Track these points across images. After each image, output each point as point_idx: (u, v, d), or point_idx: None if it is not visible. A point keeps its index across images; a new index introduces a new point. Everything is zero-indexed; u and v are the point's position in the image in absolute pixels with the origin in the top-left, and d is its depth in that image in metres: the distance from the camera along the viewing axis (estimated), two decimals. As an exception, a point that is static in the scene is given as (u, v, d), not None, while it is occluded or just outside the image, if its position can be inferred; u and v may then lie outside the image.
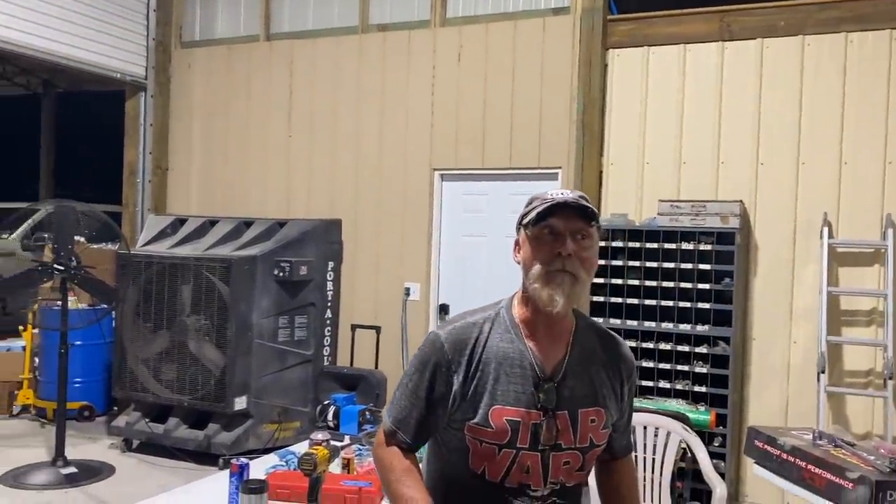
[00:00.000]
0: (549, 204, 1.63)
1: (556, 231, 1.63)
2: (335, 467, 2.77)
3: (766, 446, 3.16)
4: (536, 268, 1.64)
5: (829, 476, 2.76)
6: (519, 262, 1.71)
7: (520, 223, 1.71)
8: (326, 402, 3.36)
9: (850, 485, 2.64)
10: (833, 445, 2.99)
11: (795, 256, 5.07)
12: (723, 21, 5.26)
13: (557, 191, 1.69)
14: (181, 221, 6.38)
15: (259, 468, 2.87)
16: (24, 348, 6.67)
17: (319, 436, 2.77)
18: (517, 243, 1.73)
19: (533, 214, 1.64)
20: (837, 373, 4.92)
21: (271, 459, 2.95)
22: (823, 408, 4.70)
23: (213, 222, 6.25)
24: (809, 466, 2.87)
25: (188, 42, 7.21)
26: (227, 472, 2.48)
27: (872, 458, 2.79)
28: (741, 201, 5.07)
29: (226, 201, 6.83)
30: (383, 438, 1.78)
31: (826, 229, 4.87)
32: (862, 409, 4.85)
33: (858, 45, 4.91)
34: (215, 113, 7.00)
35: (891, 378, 4.59)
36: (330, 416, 3.28)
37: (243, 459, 2.48)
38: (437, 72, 6.07)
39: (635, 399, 4.77)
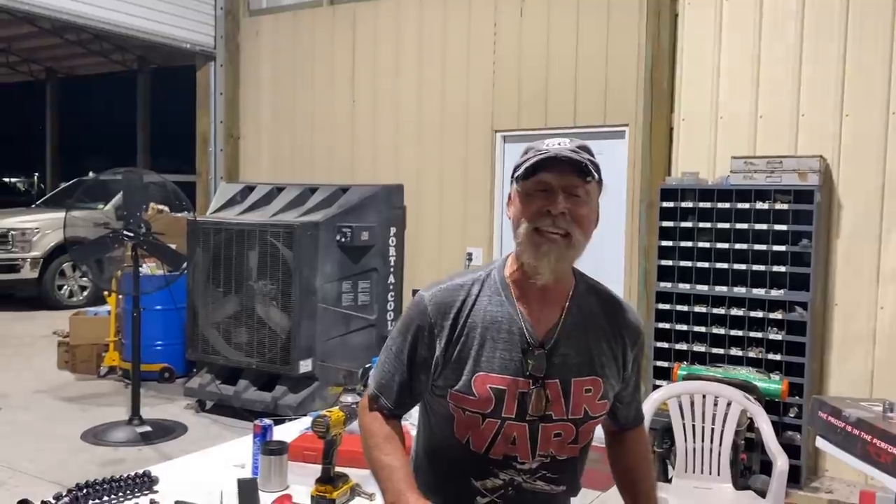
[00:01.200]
0: (540, 157, 1.48)
1: (548, 187, 1.49)
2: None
3: (829, 418, 2.93)
4: (524, 226, 1.51)
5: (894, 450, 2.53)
6: (510, 218, 1.58)
7: (512, 176, 1.56)
8: (367, 365, 3.32)
9: (918, 461, 2.41)
10: (903, 417, 2.74)
11: (884, 215, 4.67)
12: (804, -39, 4.84)
13: (554, 140, 1.53)
14: (250, 189, 6.50)
15: (296, 430, 2.87)
16: (109, 313, 6.99)
17: (349, 398, 2.75)
18: (510, 197, 1.59)
19: (522, 169, 1.51)
20: (929, 341, 4.53)
21: (306, 422, 2.95)
22: (910, 378, 4.35)
23: (280, 189, 6.33)
24: (875, 440, 2.64)
25: (256, 10, 7.28)
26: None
27: (947, 432, 2.54)
28: (822, 157, 4.70)
29: (294, 168, 6.91)
30: (367, 403, 1.70)
31: (918, 185, 4.46)
32: (956, 380, 4.46)
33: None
34: (283, 80, 7.05)
35: None
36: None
37: (267, 420, 2.48)
38: (499, 29, 5.88)
39: (704, 367, 4.57)
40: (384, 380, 1.66)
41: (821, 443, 2.95)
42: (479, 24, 5.96)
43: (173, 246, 5.85)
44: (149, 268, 6.35)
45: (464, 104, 6.03)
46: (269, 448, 2.30)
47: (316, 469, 2.45)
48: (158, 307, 6.52)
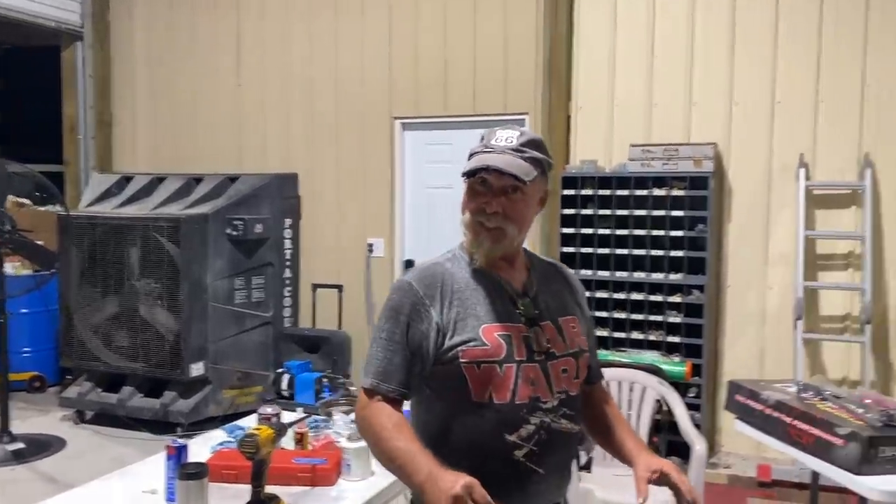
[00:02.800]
0: (478, 166, 1.63)
1: (488, 184, 1.64)
2: (288, 442, 2.54)
3: (748, 401, 3.00)
4: (466, 215, 1.68)
5: (816, 432, 2.60)
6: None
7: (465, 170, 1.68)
8: (280, 371, 3.12)
9: (841, 441, 2.49)
10: (819, 398, 2.84)
11: (771, 200, 4.89)
12: (695, -47, 4.96)
13: (504, 135, 1.67)
14: (127, 179, 6.03)
15: (205, 445, 2.63)
16: (-35, 318, 6.29)
17: (269, 409, 2.54)
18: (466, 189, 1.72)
19: (468, 166, 1.65)
20: (813, 318, 4.79)
21: (218, 436, 2.71)
22: (801, 355, 4.58)
23: (160, 179, 5.92)
24: (795, 422, 2.71)
25: (127, -13, 6.73)
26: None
27: (861, 410, 2.63)
28: (715, 144, 4.86)
29: (175, 156, 6.45)
30: (365, 400, 1.64)
31: (802, 171, 4.69)
32: (839, 355, 4.74)
33: (836, -24, 4.66)
34: (160, 61, 6.56)
35: (868, 322, 4.47)
36: (284, 385, 3.04)
37: (180, 441, 2.24)
38: (394, 13, 5.69)
39: (609, 352, 4.62)
40: (383, 367, 1.63)
41: (740, 426, 3.01)
42: (374, 8, 5.75)
43: (40, 243, 5.33)
44: (13, 267, 5.75)
45: (359, 90, 5.81)
46: (188, 472, 2.06)
47: (237, 489, 2.25)
48: (25, 310, 5.93)
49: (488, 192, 1.63)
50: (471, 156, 1.67)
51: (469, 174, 1.65)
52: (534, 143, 1.66)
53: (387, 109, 5.71)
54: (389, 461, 1.57)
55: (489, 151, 1.63)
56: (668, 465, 1.69)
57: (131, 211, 5.59)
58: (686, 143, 4.94)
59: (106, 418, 5.40)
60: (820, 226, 4.79)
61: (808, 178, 4.70)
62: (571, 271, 1.92)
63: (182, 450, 2.19)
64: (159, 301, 5.28)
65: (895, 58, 4.57)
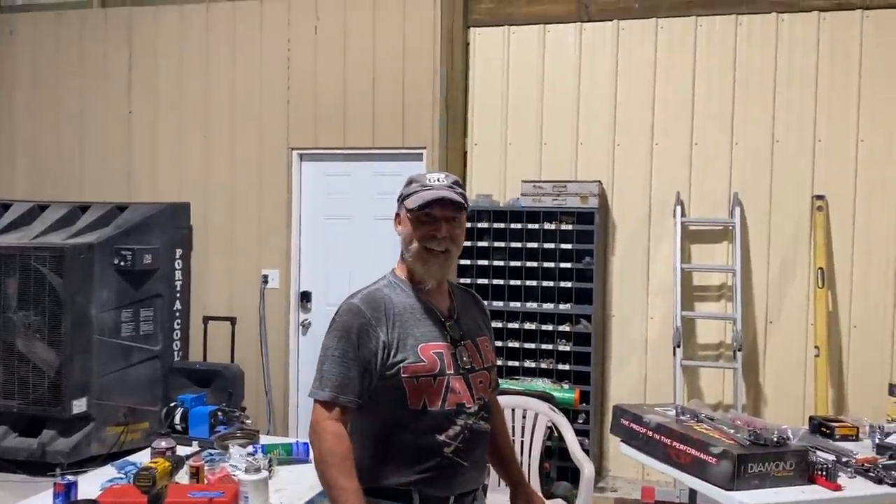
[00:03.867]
0: (430, 198, 1.93)
1: (433, 216, 1.94)
2: (183, 476, 2.50)
3: (631, 424, 3.18)
4: (415, 245, 1.96)
5: (693, 452, 2.79)
6: (399, 234, 2.01)
7: (400, 201, 2.00)
8: (173, 404, 3.05)
9: (714, 460, 2.68)
10: (696, 420, 3.04)
11: (651, 235, 5.21)
12: (580, 2, 5.28)
13: (434, 176, 2.00)
14: (5, 207, 5.73)
15: (94, 482, 2.54)
16: None
17: (163, 443, 2.49)
18: (398, 216, 2.02)
19: (416, 204, 1.94)
20: (691, 346, 5.11)
21: (108, 472, 2.62)
22: (680, 381, 4.87)
23: (42, 207, 5.65)
24: (674, 444, 2.89)
25: (8, 6, 6.44)
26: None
27: (732, 431, 2.85)
28: (599, 181, 5.14)
29: (58, 185, 6.17)
30: (321, 414, 1.87)
31: (679, 208, 5.03)
32: (714, 380, 5.07)
33: (707, 29, 5.08)
34: (44, 86, 6.29)
35: (739, 350, 4.82)
36: (178, 419, 2.97)
37: (69, 477, 2.17)
38: (293, 45, 5.72)
39: (504, 380, 4.76)
40: (339, 381, 1.87)
41: (625, 448, 3.18)
42: (272, 38, 5.75)
43: None
44: None
45: (256, 120, 5.78)
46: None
47: (130, 527, 2.19)
48: None
49: (433, 222, 1.94)
50: (408, 196, 1.98)
51: (420, 208, 1.93)
52: (458, 183, 2.02)
53: (284, 140, 5.71)
54: (327, 487, 1.84)
55: (429, 189, 1.95)
56: (539, 500, 2.19)
57: (9, 240, 5.30)
58: (573, 180, 5.20)
59: (-25, 461, 5.04)
60: (695, 259, 5.15)
61: (683, 214, 5.05)
62: (480, 297, 2.28)
63: (71, 487, 2.12)
64: (38, 334, 5.02)
65: (762, 104, 5.00)
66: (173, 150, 5.99)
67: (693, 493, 3.29)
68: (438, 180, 1.98)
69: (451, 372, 1.94)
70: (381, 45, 5.52)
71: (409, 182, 2.02)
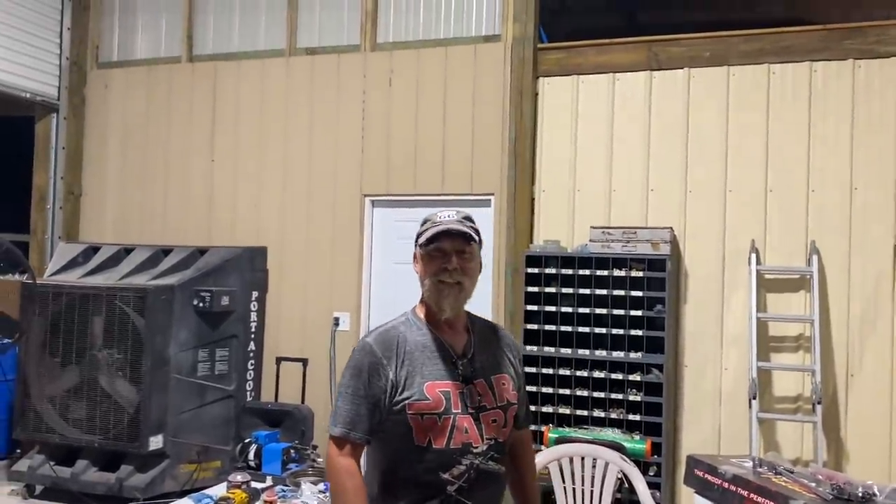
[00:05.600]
0: (436, 231, 2.03)
1: (443, 250, 2.02)
2: (258, 511, 2.55)
3: (706, 475, 3.10)
4: (428, 281, 2.05)
5: (771, 505, 2.70)
6: (418, 273, 2.10)
7: (416, 241, 2.10)
8: (247, 441, 3.13)
9: (794, 513, 2.59)
10: (774, 473, 2.95)
11: (725, 283, 5.11)
12: (650, 51, 5.32)
13: (445, 213, 2.08)
14: (94, 249, 6.03)
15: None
16: (-86, 388, 6.11)
17: (239, 477, 2.56)
18: (415, 257, 2.12)
19: (424, 238, 2.05)
20: (768, 398, 4.94)
21: (186, 504, 2.71)
22: (756, 434, 4.70)
23: (128, 250, 5.92)
24: (752, 495, 2.81)
25: (105, 62, 6.89)
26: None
27: (813, 485, 2.75)
28: (671, 228, 5.09)
29: (143, 229, 6.49)
30: (335, 451, 1.97)
31: (754, 256, 4.93)
32: (792, 434, 4.88)
33: (780, 76, 5.04)
34: (133, 136, 6.68)
35: (819, 402, 4.64)
36: (251, 456, 3.05)
37: (152, 507, 2.25)
38: (368, 96, 5.94)
39: (572, 429, 4.70)
40: (349, 417, 1.97)
41: (698, 500, 3.10)
42: (348, 90, 5.99)
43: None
44: (-30, 336, 5.65)
45: (332, 168, 5.99)
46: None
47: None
48: (-23, 381, 5.79)
49: (443, 256, 2.01)
50: (420, 234, 2.07)
51: (428, 242, 2.02)
52: (470, 218, 2.10)
53: (357, 187, 5.88)
54: None
55: (437, 225, 2.04)
56: None
57: (97, 280, 5.58)
58: (644, 226, 5.17)
59: (58, 492, 5.24)
60: (771, 309, 5.01)
61: (759, 262, 4.94)
62: (508, 333, 2.31)
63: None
64: (120, 372, 5.22)
65: (838, 150, 4.90)
66: (252, 197, 6.24)
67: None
68: (448, 216, 2.06)
69: (458, 411, 1.97)
70: (452, 95, 5.67)
71: (423, 222, 2.10)
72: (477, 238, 2.07)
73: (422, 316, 2.10)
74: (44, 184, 6.69)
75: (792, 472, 2.92)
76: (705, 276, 5.16)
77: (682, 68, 5.25)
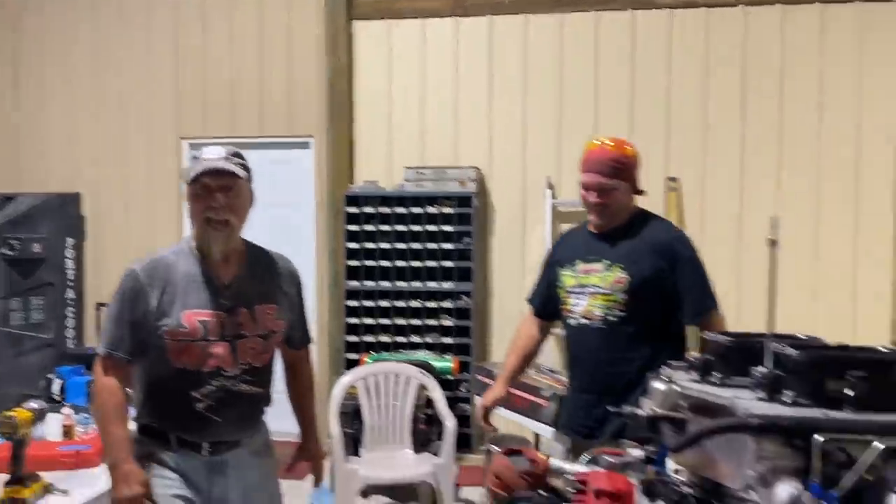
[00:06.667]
0: (200, 169, 2.06)
1: (207, 187, 2.05)
2: (57, 435, 2.70)
3: (485, 379, 3.54)
4: (196, 219, 2.10)
5: (529, 397, 3.17)
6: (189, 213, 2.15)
7: (183, 179, 2.20)
8: (49, 376, 3.22)
9: (545, 402, 3.06)
10: (538, 372, 3.43)
11: (525, 218, 5.59)
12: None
13: (212, 150, 2.10)
14: None
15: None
16: None
17: (34, 404, 2.67)
18: (187, 198, 2.13)
19: (189, 176, 2.07)
20: (563, 317, 5.51)
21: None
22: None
23: (-74, 199, 5.62)
24: (516, 391, 3.26)
25: None
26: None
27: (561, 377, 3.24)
28: (477, 168, 5.49)
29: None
30: (99, 369, 2.08)
31: (549, 191, 5.43)
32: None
33: (570, 24, 5.49)
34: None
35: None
36: (56, 390, 3.15)
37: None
38: (182, 35, 5.87)
39: (389, 354, 5.05)
40: (113, 337, 2.08)
41: (478, 399, 3.52)
42: (160, 25, 5.88)
43: None
44: None
45: (146, 110, 5.90)
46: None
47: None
48: None
49: (209, 194, 2.05)
50: (188, 172, 2.11)
51: (194, 179, 2.05)
52: (237, 154, 2.12)
53: (175, 130, 5.85)
54: (100, 432, 2.08)
55: (202, 163, 2.06)
56: (319, 454, 2.48)
57: None
58: (453, 166, 5.54)
59: None
60: (566, 237, 5.54)
61: (554, 197, 5.45)
62: (291, 266, 2.34)
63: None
64: (-76, 326, 5.03)
65: (621, 85, 5.45)
66: (64, 140, 6.04)
67: (537, 436, 3.67)
68: (216, 153, 2.08)
69: (215, 338, 2.08)
70: (268, 35, 5.75)
71: (192, 159, 2.22)
72: (244, 174, 2.09)
73: (194, 245, 2.14)
74: None
75: (554, 372, 3.40)
76: (508, 211, 5.62)
77: (485, 15, 5.59)
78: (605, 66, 5.47)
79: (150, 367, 2.11)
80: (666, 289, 2.54)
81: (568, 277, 2.67)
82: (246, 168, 2.11)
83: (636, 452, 1.46)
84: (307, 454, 2.44)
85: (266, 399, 2.26)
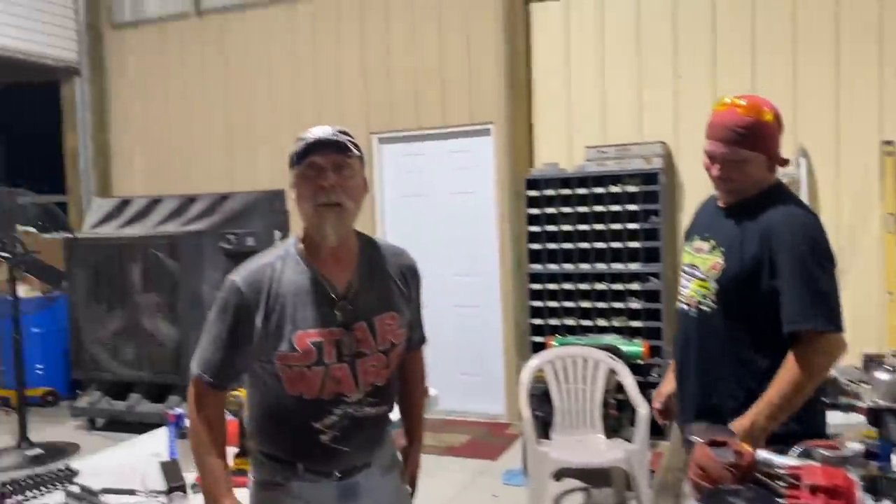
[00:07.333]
0: (306, 143, 1.76)
1: (317, 166, 1.75)
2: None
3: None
4: (306, 204, 1.77)
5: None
6: (295, 201, 1.82)
7: (290, 165, 1.79)
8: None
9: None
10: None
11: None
12: (639, -32, 5.42)
13: (318, 129, 1.79)
14: (126, 203, 6.46)
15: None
16: (-20, 340, 6.71)
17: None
18: (292, 184, 1.81)
19: (296, 150, 1.78)
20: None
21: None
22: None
23: (157, 201, 6.34)
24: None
25: (119, 23, 7.20)
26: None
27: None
28: (664, 142, 5.29)
29: (170, 180, 6.90)
30: (192, 393, 1.86)
31: (743, 163, 5.11)
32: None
33: (764, -15, 5.12)
34: (153, 93, 7.02)
35: None
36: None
37: (179, 409, 2.65)
38: (366, 36, 6.17)
39: (575, 338, 5.03)
40: (206, 360, 1.83)
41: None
42: (348, 32, 6.22)
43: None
44: (24, 291, 6.17)
45: (338, 109, 6.27)
46: (184, 432, 2.48)
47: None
48: (36, 330, 6.35)
49: (318, 174, 1.74)
50: (292, 155, 1.78)
51: (300, 156, 1.75)
52: (346, 133, 1.81)
53: (365, 126, 6.16)
54: (196, 463, 1.85)
55: (309, 139, 1.76)
56: (413, 467, 2.13)
57: (132, 231, 6.02)
58: (637, 142, 5.37)
59: (116, 424, 5.80)
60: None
61: (748, 169, 5.12)
62: (409, 257, 2.01)
63: (181, 417, 2.61)
64: (160, 313, 5.69)
65: (822, 56, 5.00)
66: (268, 142, 6.57)
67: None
68: (322, 131, 1.78)
69: (332, 361, 1.80)
70: (447, 26, 5.89)
71: (296, 142, 1.80)
72: (357, 152, 1.81)
73: (302, 247, 1.85)
74: (74, 145, 7.11)
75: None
76: (699, 186, 5.33)
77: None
78: (803, 32, 5.04)
79: (261, 395, 1.88)
80: (762, 286, 2.10)
81: (686, 253, 2.37)
82: (356, 146, 1.82)
83: (855, 446, 1.35)
84: (407, 460, 2.12)
85: (388, 415, 2.00)
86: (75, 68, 7.07)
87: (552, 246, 5.48)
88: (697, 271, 2.27)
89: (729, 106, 2.19)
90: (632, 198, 5.27)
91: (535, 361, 4.06)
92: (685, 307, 2.31)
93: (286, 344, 1.76)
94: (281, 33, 6.49)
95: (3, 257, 5.07)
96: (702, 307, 2.23)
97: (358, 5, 6.18)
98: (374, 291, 1.88)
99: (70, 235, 5.88)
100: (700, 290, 2.24)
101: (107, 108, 7.21)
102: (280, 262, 1.83)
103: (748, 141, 2.14)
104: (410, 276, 1.98)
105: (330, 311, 1.81)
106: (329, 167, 1.75)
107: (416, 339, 2.07)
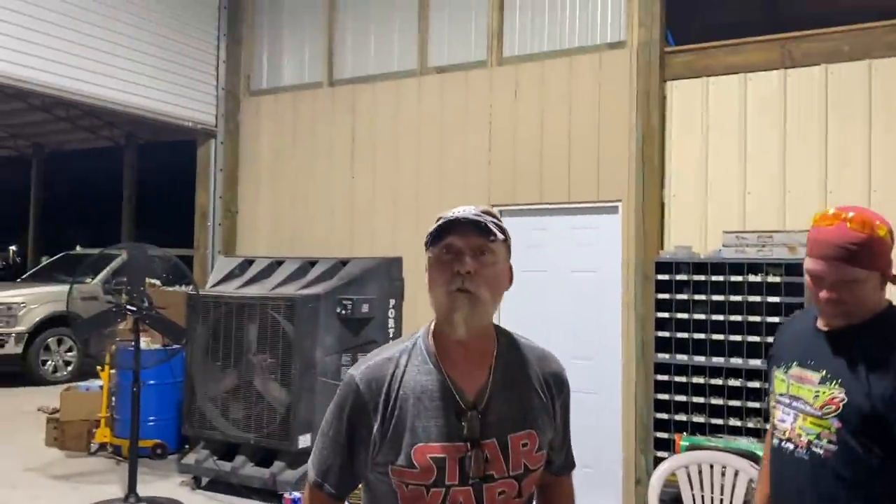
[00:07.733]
0: (443, 222, 1.57)
1: (455, 249, 1.56)
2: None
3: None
4: (438, 290, 1.56)
5: None
6: (428, 284, 1.63)
7: (426, 245, 1.62)
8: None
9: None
10: None
11: (871, 287, 4.84)
12: (784, 48, 5.16)
13: (460, 208, 1.60)
14: (249, 262, 6.57)
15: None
16: (101, 388, 6.91)
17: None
18: (427, 268, 1.63)
19: (430, 235, 1.59)
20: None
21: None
22: None
23: (279, 262, 6.41)
24: None
25: (256, 90, 7.51)
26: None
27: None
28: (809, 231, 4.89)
29: (292, 242, 7.01)
30: (309, 494, 1.67)
31: (903, 258, 4.65)
32: None
33: (930, 67, 4.74)
34: (282, 157, 7.23)
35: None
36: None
37: (296, 494, 2.51)
38: (494, 110, 6.13)
39: (705, 438, 4.63)
40: (325, 465, 1.64)
41: None
42: (476, 104, 6.21)
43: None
44: (144, 342, 6.33)
45: (461, 180, 6.23)
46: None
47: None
48: (152, 382, 6.47)
49: (456, 257, 1.55)
50: (428, 235, 1.61)
51: (435, 237, 1.57)
52: (490, 213, 1.62)
53: (486, 197, 6.07)
54: None
55: (445, 219, 1.58)
56: None
57: (252, 291, 6.09)
58: (780, 230, 5.01)
59: (220, 485, 5.75)
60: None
61: (909, 265, 4.65)
62: (558, 364, 1.75)
63: (297, 501, 2.46)
64: (272, 375, 5.68)
65: None
66: (389, 210, 6.59)
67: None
68: (464, 210, 1.59)
69: (454, 482, 1.54)
70: (577, 104, 5.76)
71: (435, 221, 1.62)
72: (501, 235, 1.58)
73: (433, 342, 1.63)
74: (205, 203, 7.38)
75: None
76: (849, 281, 4.91)
77: (818, 65, 5.04)
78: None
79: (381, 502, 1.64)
80: None
81: (779, 381, 2.08)
82: (502, 229, 1.60)
83: None
84: None
85: None
86: (212, 130, 7.39)
87: (682, 335, 5.12)
88: (802, 404, 1.99)
89: (835, 219, 1.96)
90: (773, 289, 4.88)
91: (667, 465, 3.70)
92: (789, 446, 2.02)
93: (404, 458, 1.54)
94: (408, 104, 6.56)
95: (130, 311, 5.19)
96: (814, 449, 1.95)
97: (487, 79, 6.17)
98: (511, 403, 1.62)
99: (193, 291, 6.01)
100: (813, 428, 1.95)
101: (238, 170, 7.47)
102: (405, 356, 1.62)
103: (862, 259, 1.88)
104: (556, 386, 1.70)
105: (457, 421, 1.56)
106: (468, 251, 1.55)
107: (558, 463, 1.78)
